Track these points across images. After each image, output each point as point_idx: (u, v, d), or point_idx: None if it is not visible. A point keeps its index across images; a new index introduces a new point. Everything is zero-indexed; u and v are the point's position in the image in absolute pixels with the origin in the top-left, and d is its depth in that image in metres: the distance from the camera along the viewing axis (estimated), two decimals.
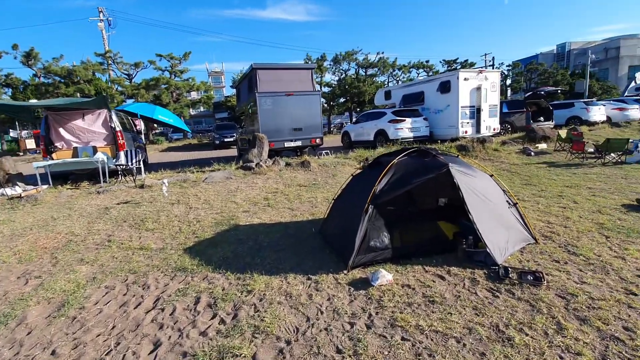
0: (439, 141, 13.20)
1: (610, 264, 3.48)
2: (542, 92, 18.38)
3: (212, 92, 37.05)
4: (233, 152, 17.31)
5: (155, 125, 28.98)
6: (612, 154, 9.25)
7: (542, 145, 12.59)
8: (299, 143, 11.14)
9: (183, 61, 31.12)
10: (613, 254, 3.73)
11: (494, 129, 14.09)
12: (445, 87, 13.54)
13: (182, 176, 8.73)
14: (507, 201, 4.09)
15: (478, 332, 2.51)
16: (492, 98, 13.77)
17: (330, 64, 31.42)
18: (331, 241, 4.31)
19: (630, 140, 9.21)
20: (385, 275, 3.30)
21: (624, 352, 2.24)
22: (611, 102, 20.58)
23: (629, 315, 2.61)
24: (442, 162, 3.78)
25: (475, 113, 13.43)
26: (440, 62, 38.18)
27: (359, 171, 4.72)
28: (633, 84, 29.03)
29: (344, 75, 32.22)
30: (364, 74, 32.58)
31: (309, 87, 11.03)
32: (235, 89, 15.96)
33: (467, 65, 36.02)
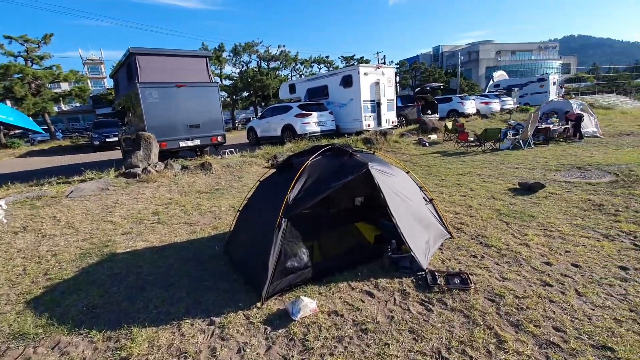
0: (345, 135, 13.35)
1: (519, 252, 3.57)
2: (428, 88, 20.43)
3: (87, 83, 31.18)
4: (118, 154, 14.61)
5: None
6: (488, 143, 10.57)
7: (433, 136, 13.82)
8: (197, 142, 9.76)
9: (43, 45, 25.20)
10: (518, 241, 3.88)
11: (393, 122, 14.93)
12: (347, 82, 13.70)
13: (36, 192, 6.67)
14: (423, 198, 3.94)
15: None
16: (389, 92, 14.52)
17: (229, 55, 29.52)
18: (239, 263, 3.53)
19: (502, 130, 10.63)
20: (307, 305, 2.71)
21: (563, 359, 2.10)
22: (478, 97, 24.18)
23: (554, 312, 2.56)
24: (361, 161, 3.36)
25: (376, 107, 13.97)
26: (339, 58, 39.66)
27: (266, 176, 4.03)
28: (491, 82, 34.81)
29: (245, 67, 30.69)
30: (266, 67, 31.60)
31: (205, 77, 9.71)
32: (112, 79, 13.34)
33: (362, 61, 38.18)
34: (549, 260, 3.37)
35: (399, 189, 3.56)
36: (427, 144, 12.33)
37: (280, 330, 2.55)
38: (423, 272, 3.18)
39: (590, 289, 2.83)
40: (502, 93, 26.05)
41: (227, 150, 10.76)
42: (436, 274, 3.12)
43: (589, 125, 12.37)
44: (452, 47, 71.62)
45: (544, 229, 4.17)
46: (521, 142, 10.31)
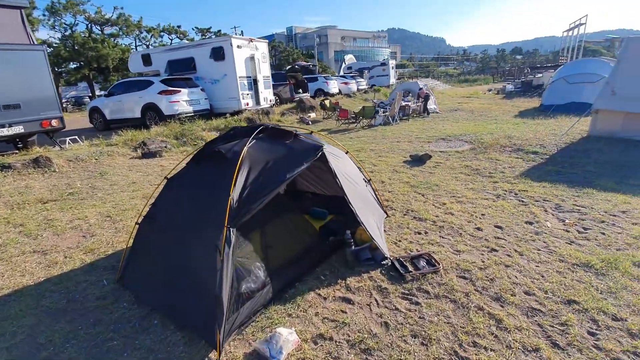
0: (227, 115, 12.01)
1: (451, 222, 3.76)
2: (298, 67, 20.53)
3: None
4: None
5: None
6: (365, 120, 11.35)
7: (313, 115, 13.99)
8: (18, 129, 6.79)
9: None
10: (442, 210, 4.11)
11: (270, 100, 14.35)
12: (218, 54, 12.19)
13: None
14: (363, 179, 3.67)
15: None
16: (264, 69, 13.77)
17: (45, 15, 22.34)
18: (160, 301, 2.49)
19: (375, 108, 11.54)
20: (287, 338, 2.06)
21: (554, 325, 2.20)
22: (339, 78, 25.97)
23: (516, 277, 2.72)
24: (314, 144, 2.78)
25: (253, 84, 13.05)
26: (193, 29, 35.67)
27: (177, 171, 2.94)
28: (344, 64, 37.97)
29: (69, 31, 23.91)
30: (99, 32, 25.44)
31: (22, 37, 6.74)
32: None
33: (220, 34, 35.43)
34: (478, 226, 3.65)
35: (348, 172, 3.18)
36: (309, 122, 12.36)
37: None
38: (388, 261, 2.94)
39: (524, 247, 3.17)
40: (356, 75, 28.75)
41: (68, 139, 8.06)
42: (402, 260, 2.93)
43: (431, 103, 14.85)
44: (304, 29, 74.51)
45: (453, 196, 4.58)
46: (390, 118, 11.48)
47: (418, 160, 6.56)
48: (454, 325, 2.23)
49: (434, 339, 2.11)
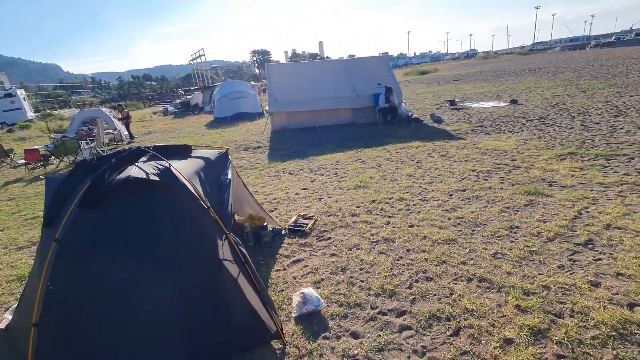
0: None
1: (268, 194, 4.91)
2: None
3: None
4: None
5: None
6: (66, 157, 9.17)
7: None
8: None
9: None
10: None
11: None
12: None
13: None
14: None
15: None
16: None
17: None
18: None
19: (79, 142, 9.52)
20: (313, 292, 2.55)
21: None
22: None
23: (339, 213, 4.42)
24: (218, 150, 2.94)
25: None
26: None
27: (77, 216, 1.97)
28: None
29: None
30: None
31: None
32: None
33: None
34: (291, 196, 5.06)
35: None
36: None
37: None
38: (285, 230, 3.72)
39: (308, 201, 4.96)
40: None
41: None
42: (291, 227, 3.81)
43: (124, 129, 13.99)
44: None
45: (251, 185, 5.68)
46: (97, 149, 9.99)
47: None
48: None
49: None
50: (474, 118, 9.30)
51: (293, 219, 3.99)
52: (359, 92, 10.68)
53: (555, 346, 1.98)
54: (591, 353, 1.91)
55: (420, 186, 4.75)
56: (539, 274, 2.62)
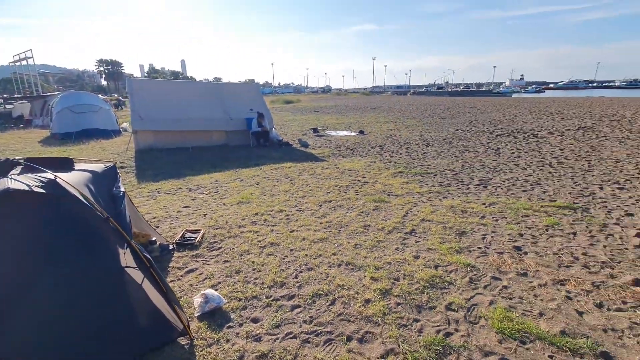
0: None
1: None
2: None
3: None
4: None
5: None
6: None
7: None
8: None
9: None
10: None
11: None
12: None
13: None
14: None
15: None
16: None
17: None
18: None
19: None
20: (214, 292, 2.80)
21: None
22: None
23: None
24: (103, 162, 2.87)
25: None
26: None
27: None
28: None
29: None
30: None
31: None
32: None
33: None
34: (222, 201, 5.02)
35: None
36: None
37: None
38: (173, 245, 3.77)
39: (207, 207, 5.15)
40: None
41: None
42: (179, 243, 3.89)
43: None
44: None
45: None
46: None
47: None
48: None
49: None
50: (333, 144, 10.98)
51: (180, 234, 4.05)
52: (232, 115, 11.07)
53: (396, 298, 2.90)
54: (416, 298, 2.90)
55: (295, 199, 5.50)
56: (384, 255, 3.63)
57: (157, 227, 4.44)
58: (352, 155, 9.21)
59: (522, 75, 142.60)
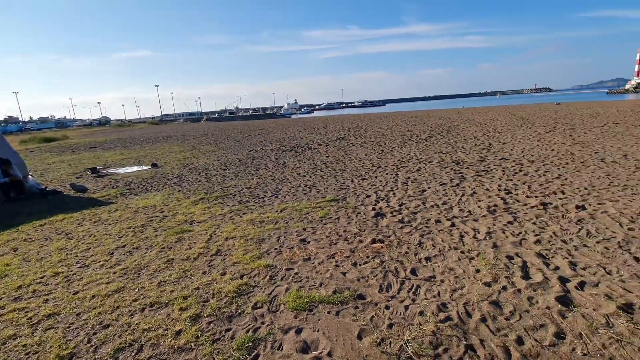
0: None
1: None
2: None
3: None
4: None
5: None
6: None
7: None
8: None
9: None
10: None
11: None
12: None
13: None
14: None
15: None
16: None
17: None
18: None
19: None
20: None
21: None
22: None
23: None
24: None
25: None
26: None
27: None
28: None
29: None
30: None
31: None
32: None
33: None
34: None
35: None
36: None
37: None
38: None
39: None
40: None
41: None
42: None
43: None
44: None
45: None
46: None
47: None
48: None
49: None
50: (120, 183, 9.69)
51: None
52: None
53: (207, 318, 3.04)
54: (226, 310, 3.13)
55: (76, 255, 4.61)
56: (192, 283, 3.68)
57: None
58: (146, 191, 8.47)
59: (295, 100, 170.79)
